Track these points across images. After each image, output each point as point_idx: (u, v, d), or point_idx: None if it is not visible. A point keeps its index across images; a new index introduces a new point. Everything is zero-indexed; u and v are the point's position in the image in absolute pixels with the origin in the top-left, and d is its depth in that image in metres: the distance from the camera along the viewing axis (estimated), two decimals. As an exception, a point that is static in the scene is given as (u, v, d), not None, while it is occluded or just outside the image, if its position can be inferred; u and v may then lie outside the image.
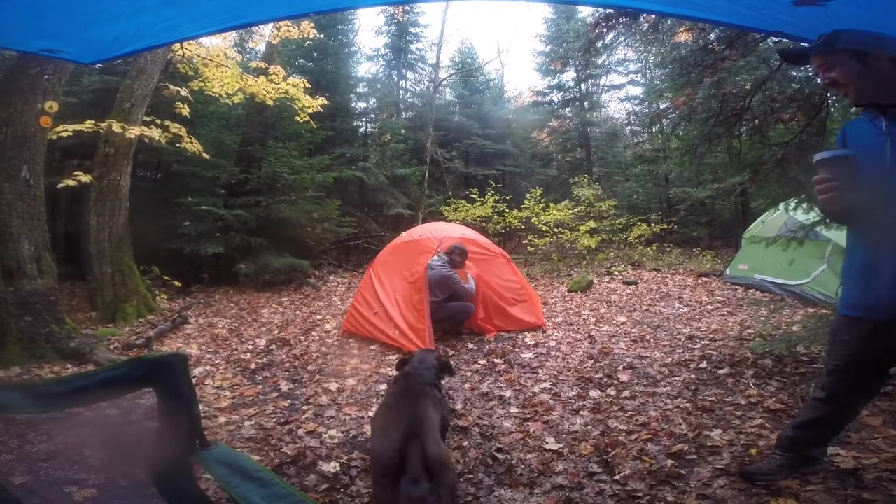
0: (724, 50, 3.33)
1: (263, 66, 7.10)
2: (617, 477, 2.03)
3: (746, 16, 1.84)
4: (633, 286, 7.66)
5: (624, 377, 3.34)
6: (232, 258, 7.96)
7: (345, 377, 3.78)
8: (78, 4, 1.65)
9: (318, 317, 6.21)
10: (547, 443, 2.42)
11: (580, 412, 2.82)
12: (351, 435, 2.69)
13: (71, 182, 4.55)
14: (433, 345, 4.09)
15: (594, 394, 3.09)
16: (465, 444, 2.50)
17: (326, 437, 2.65)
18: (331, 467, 2.26)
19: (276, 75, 6.92)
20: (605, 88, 16.76)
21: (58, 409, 1.14)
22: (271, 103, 7.16)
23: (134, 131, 5.21)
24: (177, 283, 7.22)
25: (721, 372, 3.27)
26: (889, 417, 2.24)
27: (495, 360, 3.98)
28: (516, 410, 2.93)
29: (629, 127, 15.63)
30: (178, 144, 5.97)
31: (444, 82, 15.82)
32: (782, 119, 3.28)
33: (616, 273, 8.80)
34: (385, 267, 4.92)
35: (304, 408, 3.20)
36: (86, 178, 4.70)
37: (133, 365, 1.05)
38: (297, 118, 7.79)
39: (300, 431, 2.75)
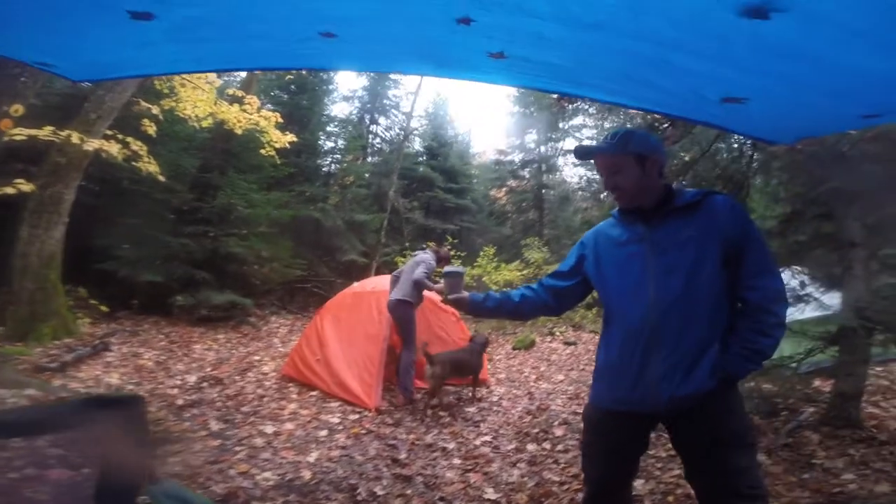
0: (668, 128, 3.77)
1: (240, 95, 7.07)
2: (549, 526, 2.13)
3: (680, 107, 2.20)
4: (573, 346, 7.99)
5: (559, 432, 3.48)
6: (169, 288, 7.52)
7: (282, 421, 3.67)
8: (90, 30, 1.74)
9: (256, 357, 5.97)
10: (486, 493, 2.49)
11: (517, 464, 2.92)
12: (287, 478, 2.62)
13: (10, 190, 4.28)
14: (380, 400, 4.03)
15: (531, 447, 3.21)
16: (409, 492, 2.52)
17: (261, 479, 2.57)
18: (266, 508, 2.20)
19: (251, 105, 6.92)
20: (562, 152, 17.32)
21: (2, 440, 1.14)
22: (240, 132, 7.10)
23: (93, 144, 4.99)
24: (103, 308, 6.70)
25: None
26: (789, 466, 2.51)
27: (440, 413, 4.02)
28: (458, 461, 2.98)
29: (580, 192, 16.60)
30: (134, 163, 5.77)
31: (415, 132, 16.32)
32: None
33: (557, 333, 9.14)
34: (333, 315, 4.84)
35: (237, 448, 3.07)
36: (28, 188, 4.43)
37: (89, 401, 1.09)
38: (263, 151, 7.78)
39: (231, 472, 2.64)
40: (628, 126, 4.67)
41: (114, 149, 5.20)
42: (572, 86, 2.27)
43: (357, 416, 3.80)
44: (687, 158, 3.94)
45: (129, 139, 5.60)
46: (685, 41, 1.50)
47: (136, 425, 1.09)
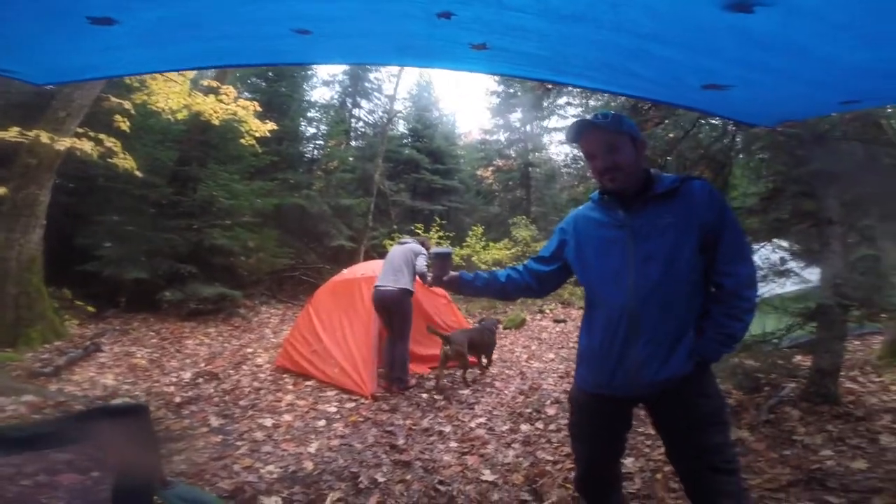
0: (650, 110, 3.78)
1: (215, 85, 6.89)
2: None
3: (661, 93, 2.21)
4: (563, 324, 8.15)
5: (551, 411, 3.58)
6: (155, 284, 7.43)
7: (280, 413, 3.71)
8: (50, 36, 1.68)
9: (249, 350, 5.98)
10: (483, 474, 2.58)
11: (512, 445, 3.01)
12: (290, 470, 2.68)
13: (-18, 194, 4.16)
14: (375, 385, 4.10)
15: (524, 427, 3.30)
16: (409, 477, 2.59)
17: (265, 473, 2.62)
18: (272, 501, 2.26)
19: (227, 95, 6.75)
20: (548, 130, 17.34)
21: (10, 456, 1.15)
22: (217, 123, 6.94)
23: (64, 143, 4.83)
24: (90, 308, 6.61)
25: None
26: (771, 442, 2.61)
27: (435, 397, 4.10)
28: (455, 444, 3.06)
29: (566, 169, 16.63)
30: (109, 159, 5.61)
31: (399, 114, 16.03)
32: (696, 175, 3.79)
33: (547, 311, 9.30)
34: (326, 303, 4.85)
35: (238, 443, 3.11)
36: (1, 191, 4.29)
37: (95, 412, 1.11)
38: (242, 140, 7.62)
39: (236, 467, 2.69)
40: (612, 105, 4.66)
41: (87, 146, 5.04)
42: (554, 74, 2.26)
43: (354, 405, 3.87)
44: (672, 135, 3.96)
45: (102, 136, 5.42)
46: (665, 33, 1.50)
47: (144, 433, 1.11)
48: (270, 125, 7.35)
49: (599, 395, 1.51)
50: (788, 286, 3.24)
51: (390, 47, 2.00)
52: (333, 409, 3.78)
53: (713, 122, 3.46)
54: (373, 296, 4.30)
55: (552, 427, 3.26)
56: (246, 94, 9.94)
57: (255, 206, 8.83)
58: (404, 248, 4.45)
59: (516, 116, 16.70)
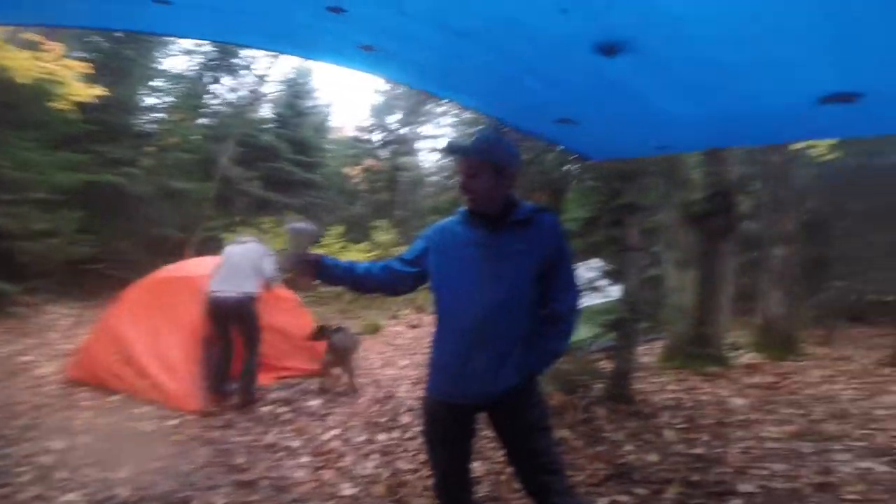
0: (508, 133, 4.14)
1: (37, 40, 5.45)
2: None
3: (523, 121, 2.43)
4: (416, 329, 8.33)
5: (406, 419, 3.57)
6: None
7: (75, 433, 3.05)
8: None
9: (29, 358, 4.84)
10: (342, 489, 2.46)
11: (370, 456, 2.92)
12: (98, 498, 2.24)
13: None
14: (203, 401, 3.57)
15: (382, 437, 3.23)
16: (255, 497, 2.34)
17: (62, 502, 2.14)
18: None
19: (51, 52, 5.44)
20: (421, 136, 17.76)
21: None
22: (26, 82, 5.53)
23: None
24: None
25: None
26: (587, 440, 2.96)
27: (280, 409, 3.76)
28: (307, 459, 2.86)
29: (432, 178, 17.11)
30: None
31: (266, 97, 14.56)
32: (538, 197, 4.27)
33: (401, 316, 9.42)
34: (142, 303, 4.09)
35: (18, 469, 2.50)
36: None
37: None
38: (55, 104, 6.12)
39: (21, 496, 2.19)
40: (481, 121, 4.89)
41: None
42: (435, 86, 2.35)
43: (177, 422, 3.33)
44: (525, 158, 4.44)
45: None
46: (541, 66, 1.69)
47: None
48: (98, 90, 6.16)
49: (448, 403, 1.59)
50: (598, 300, 3.85)
51: (266, 31, 1.85)
52: (150, 428, 3.22)
53: (556, 150, 3.95)
54: (208, 301, 3.73)
55: (409, 435, 3.25)
56: (81, 53, 8.03)
57: (55, 182, 7.11)
58: (247, 248, 3.99)
59: (394, 118, 16.73)
